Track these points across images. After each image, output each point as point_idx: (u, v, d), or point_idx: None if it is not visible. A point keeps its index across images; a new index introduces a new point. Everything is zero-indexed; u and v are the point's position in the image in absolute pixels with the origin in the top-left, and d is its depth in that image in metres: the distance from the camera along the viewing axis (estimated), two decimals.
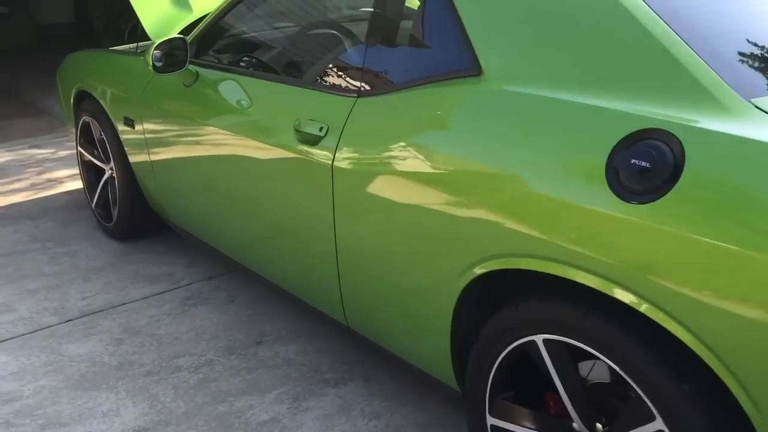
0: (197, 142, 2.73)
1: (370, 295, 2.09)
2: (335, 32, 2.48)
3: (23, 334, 2.84)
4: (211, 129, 2.62)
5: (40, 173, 4.82)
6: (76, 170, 4.83)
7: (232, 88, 2.61)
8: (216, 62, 2.77)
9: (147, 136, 3.07)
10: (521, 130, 1.60)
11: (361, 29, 2.32)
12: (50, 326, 2.90)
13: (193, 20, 3.31)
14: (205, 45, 2.82)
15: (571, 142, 1.48)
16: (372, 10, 2.11)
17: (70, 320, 2.94)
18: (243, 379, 2.52)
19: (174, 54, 2.65)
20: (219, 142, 2.60)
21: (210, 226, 2.90)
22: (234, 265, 2.91)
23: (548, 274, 1.53)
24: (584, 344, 1.48)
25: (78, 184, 4.55)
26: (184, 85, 2.79)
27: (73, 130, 3.98)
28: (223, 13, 2.72)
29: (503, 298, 1.76)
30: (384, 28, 2.06)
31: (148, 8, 3.29)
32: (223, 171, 2.63)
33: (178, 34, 3.45)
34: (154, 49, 2.60)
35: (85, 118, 3.64)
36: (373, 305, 2.10)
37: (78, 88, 3.67)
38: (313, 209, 2.20)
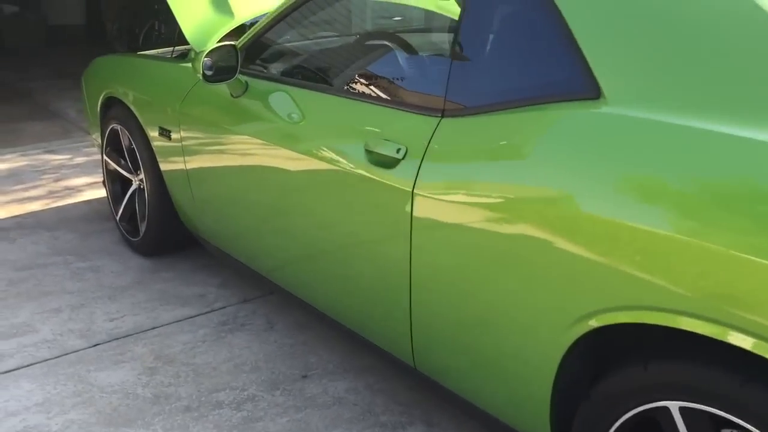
0: (243, 157, 2.53)
1: (451, 338, 1.88)
2: (410, 43, 2.28)
3: (48, 359, 2.62)
4: (260, 144, 2.42)
5: (56, 180, 4.60)
6: (94, 178, 4.62)
7: (286, 102, 2.40)
8: (268, 73, 2.57)
9: (185, 147, 2.87)
10: (655, 165, 1.39)
11: (441, 40, 2.13)
12: (77, 351, 2.68)
13: (234, 26, 3.11)
14: (256, 54, 2.61)
15: (729, 183, 1.28)
16: (458, 18, 1.90)
17: (98, 344, 2.72)
18: (291, 419, 2.31)
19: (224, 62, 2.45)
20: (269, 158, 2.40)
21: (251, 245, 2.69)
22: (269, 288, 2.71)
23: (690, 332, 1.32)
24: (737, 417, 1.28)
25: (98, 194, 4.33)
26: (232, 95, 2.58)
27: (98, 137, 3.77)
28: (277, 19, 2.52)
29: (620, 352, 1.55)
30: (473, 40, 1.86)
31: (188, 13, 3.09)
32: (272, 189, 2.42)
33: (224, 41, 3.26)
34: (205, 57, 2.40)
35: (114, 125, 3.44)
36: (454, 349, 1.88)
37: (107, 93, 3.46)
38: (383, 237, 1.99)
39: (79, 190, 4.42)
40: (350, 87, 2.32)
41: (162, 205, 3.22)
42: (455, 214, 1.75)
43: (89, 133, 4.01)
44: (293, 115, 2.35)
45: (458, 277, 1.78)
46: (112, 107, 3.47)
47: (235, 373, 2.55)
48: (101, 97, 3.52)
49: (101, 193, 4.35)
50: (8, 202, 4.20)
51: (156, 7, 8.45)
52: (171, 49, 3.95)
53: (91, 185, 4.51)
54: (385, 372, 2.56)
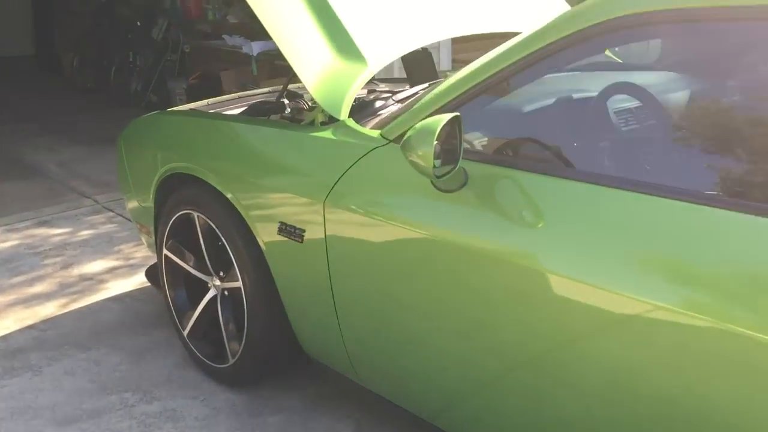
0: (450, 275, 1.69)
1: None
2: None
3: None
4: (488, 259, 1.59)
5: (65, 266, 3.59)
6: (112, 260, 3.64)
7: (557, 201, 1.56)
8: (505, 154, 1.72)
9: (333, 255, 1.97)
10: None
11: None
12: None
13: (368, 78, 2.24)
14: (479, 123, 1.75)
15: None
16: None
17: None
18: None
19: (447, 144, 1.59)
20: (503, 279, 1.57)
21: (440, 391, 1.85)
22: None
23: None
24: None
25: (126, 284, 3.36)
26: (438, 188, 1.71)
27: (145, 223, 2.82)
28: (517, 66, 1.67)
29: None
30: None
31: (309, 64, 2.20)
32: (504, 320, 1.60)
33: (366, 99, 2.37)
34: (435, 141, 1.52)
35: (185, 212, 2.50)
36: None
37: (170, 169, 2.53)
38: None
39: (101, 281, 3.43)
40: (728, 188, 1.48)
41: (272, 321, 2.31)
42: None
43: (133, 220, 3.04)
44: (571, 225, 1.51)
45: None
46: (180, 187, 2.54)
47: None
48: (159, 174, 2.58)
49: (130, 282, 3.38)
50: (11, 304, 3.19)
51: (129, 36, 7.42)
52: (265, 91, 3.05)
53: (112, 272, 3.52)
54: None
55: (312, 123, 2.21)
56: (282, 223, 2.11)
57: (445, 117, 1.55)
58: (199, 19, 6.86)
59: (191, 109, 2.89)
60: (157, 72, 7.14)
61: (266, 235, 2.18)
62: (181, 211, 2.52)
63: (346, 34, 2.28)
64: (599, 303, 1.43)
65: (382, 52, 2.31)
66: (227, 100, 3.16)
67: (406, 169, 1.75)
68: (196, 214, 2.45)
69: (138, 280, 3.38)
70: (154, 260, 3.36)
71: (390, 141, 1.90)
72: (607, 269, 1.46)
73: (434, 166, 1.53)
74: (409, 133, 1.59)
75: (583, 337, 1.50)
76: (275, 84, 5.50)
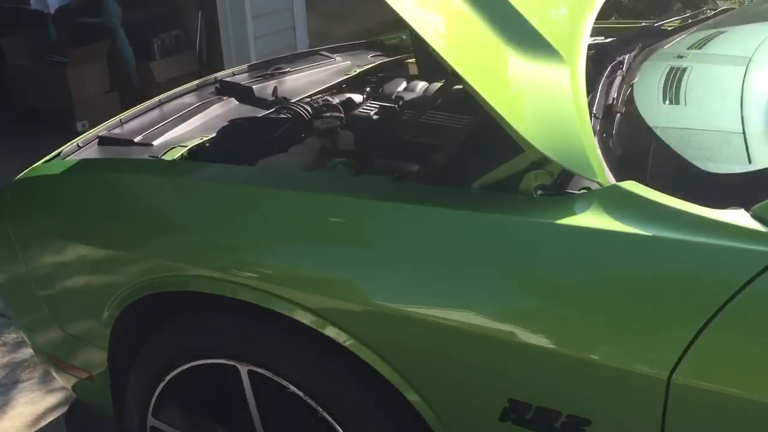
0: None
1: None
2: None
3: None
4: None
5: None
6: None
7: None
8: None
9: None
10: None
11: None
12: None
13: (582, 78, 1.22)
14: None
15: None
16: None
17: None
18: None
19: None
20: None
21: None
22: None
23: None
24: None
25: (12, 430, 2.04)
26: None
27: (79, 362, 1.57)
28: None
29: None
30: None
31: (493, 81, 1.13)
32: None
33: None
34: None
35: (213, 362, 1.32)
36: None
37: (163, 283, 1.32)
38: None
39: None
40: None
41: None
42: None
43: (37, 352, 1.74)
44: None
45: None
46: (182, 312, 1.34)
47: None
48: (130, 292, 1.34)
49: (19, 424, 2.06)
50: None
51: None
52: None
53: None
54: None
55: (515, 185, 1.14)
56: (517, 402, 1.06)
57: None
58: None
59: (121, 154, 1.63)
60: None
61: (460, 420, 1.12)
62: (200, 361, 1.33)
63: (526, 23, 1.24)
64: None
65: (571, 39, 1.30)
66: (145, 110, 1.95)
67: None
68: (245, 369, 1.29)
69: (28, 416, 2.08)
70: (51, 380, 2.11)
71: None
72: None
73: None
74: None
75: None
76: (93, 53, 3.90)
